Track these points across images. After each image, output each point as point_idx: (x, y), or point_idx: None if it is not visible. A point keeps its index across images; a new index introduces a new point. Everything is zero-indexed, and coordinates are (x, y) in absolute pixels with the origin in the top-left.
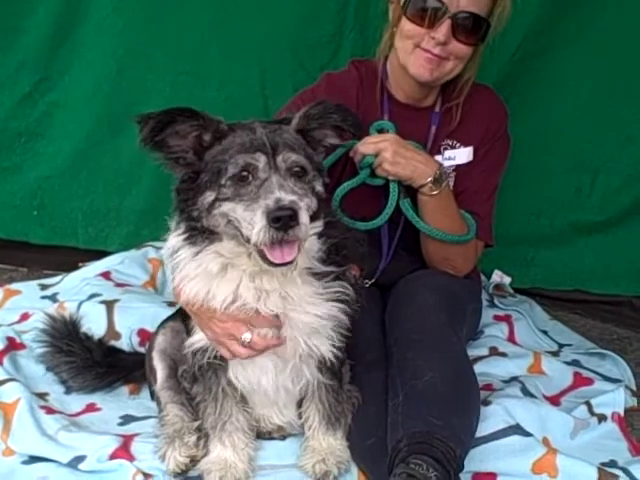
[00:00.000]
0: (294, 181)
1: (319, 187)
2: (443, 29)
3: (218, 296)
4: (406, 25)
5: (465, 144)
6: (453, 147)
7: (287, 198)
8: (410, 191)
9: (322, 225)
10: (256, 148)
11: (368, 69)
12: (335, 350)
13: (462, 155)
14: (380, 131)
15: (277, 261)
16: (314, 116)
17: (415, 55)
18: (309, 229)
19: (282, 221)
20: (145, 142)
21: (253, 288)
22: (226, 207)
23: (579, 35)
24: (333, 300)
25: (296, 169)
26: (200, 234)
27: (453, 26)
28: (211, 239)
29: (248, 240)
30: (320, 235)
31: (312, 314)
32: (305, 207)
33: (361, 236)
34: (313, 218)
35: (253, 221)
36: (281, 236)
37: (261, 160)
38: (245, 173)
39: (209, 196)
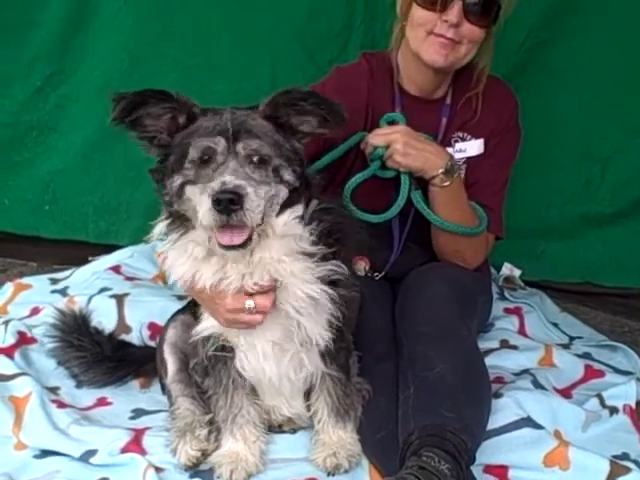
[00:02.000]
0: (253, 168)
1: (288, 176)
2: (455, 11)
3: (204, 277)
4: (417, 12)
5: (476, 136)
6: (464, 139)
7: (232, 182)
8: (421, 183)
9: (301, 210)
10: (217, 132)
11: (379, 61)
12: (328, 333)
13: (473, 147)
14: (391, 123)
15: (224, 243)
16: (282, 103)
17: (428, 42)
18: (258, 215)
19: (223, 204)
20: (115, 121)
21: (237, 268)
22: (189, 191)
23: (587, 26)
24: (324, 278)
25: (256, 157)
26: (177, 219)
27: (464, 7)
28: (186, 226)
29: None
30: (312, 219)
31: (301, 289)
32: (257, 193)
33: (359, 223)
34: (287, 205)
35: (200, 204)
36: (225, 220)
37: (220, 144)
38: (206, 157)
39: (177, 179)
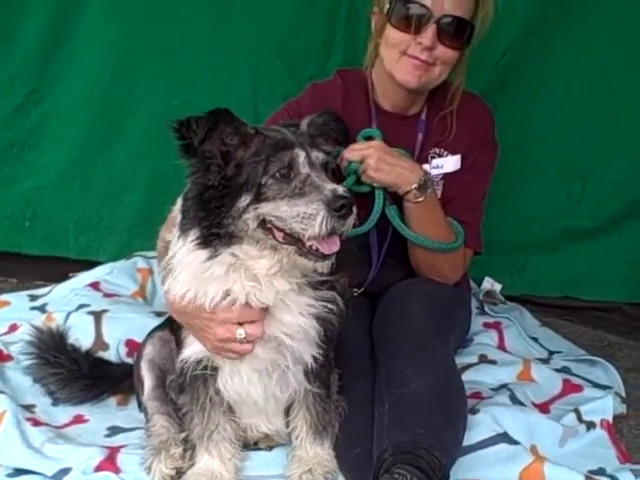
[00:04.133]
0: (324, 176)
1: None
2: (429, 34)
3: (209, 294)
4: (391, 33)
5: (453, 152)
6: (440, 155)
7: (339, 188)
8: (396, 198)
9: None
10: (293, 145)
11: (354, 78)
12: (318, 356)
13: (450, 164)
14: (367, 139)
15: (328, 252)
16: (318, 124)
17: (402, 62)
18: None
19: (345, 209)
20: (198, 146)
21: (245, 287)
22: (264, 208)
23: (566, 42)
24: (321, 302)
25: (326, 165)
26: (219, 239)
27: (438, 30)
28: (230, 242)
29: (296, 236)
30: None
31: (297, 313)
32: None
33: (352, 245)
34: None
35: (310, 214)
36: (341, 225)
37: (301, 156)
38: (285, 171)
39: (244, 200)
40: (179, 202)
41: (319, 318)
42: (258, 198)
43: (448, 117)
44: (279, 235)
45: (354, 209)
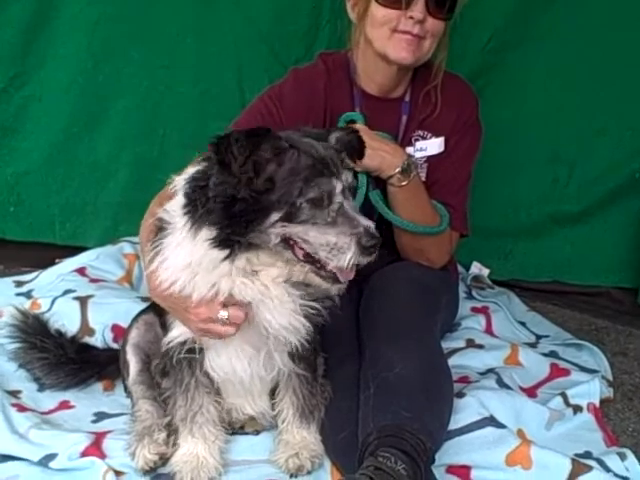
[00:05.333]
0: (353, 203)
1: None
2: (419, 7)
3: (200, 288)
4: (379, 11)
5: (436, 134)
6: (424, 138)
7: (372, 226)
8: (380, 183)
9: None
10: (331, 172)
11: (336, 62)
12: (304, 342)
13: (433, 146)
14: (349, 123)
15: (345, 279)
16: (345, 141)
17: (394, 40)
18: None
19: (374, 249)
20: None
21: (234, 282)
22: (294, 229)
23: (552, 27)
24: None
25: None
26: (239, 244)
27: (427, 2)
28: (248, 248)
29: (316, 258)
30: None
31: (281, 313)
32: None
33: None
34: None
35: (340, 247)
36: (364, 260)
37: (338, 187)
38: (322, 198)
39: (274, 216)
40: (181, 182)
41: (308, 312)
42: (289, 218)
43: (432, 94)
44: (300, 253)
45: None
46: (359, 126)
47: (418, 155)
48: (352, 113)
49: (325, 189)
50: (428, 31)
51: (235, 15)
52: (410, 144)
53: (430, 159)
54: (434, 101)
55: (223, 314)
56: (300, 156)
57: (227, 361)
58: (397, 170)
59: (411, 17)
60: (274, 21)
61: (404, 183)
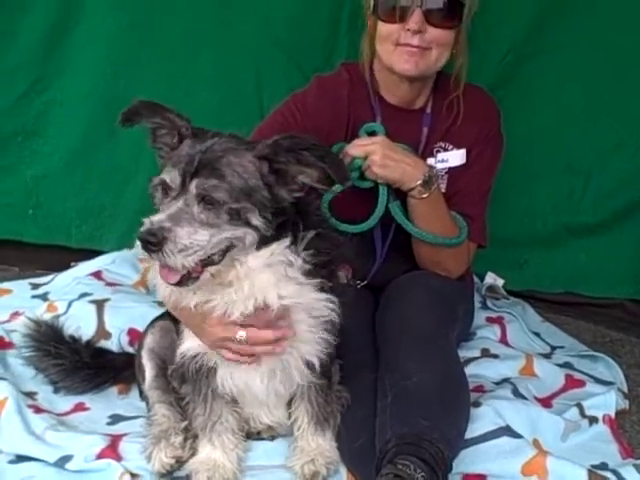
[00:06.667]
0: (202, 208)
1: (256, 221)
2: (415, 18)
3: (190, 296)
4: (381, 27)
5: (458, 146)
6: (446, 149)
7: (159, 223)
8: (400, 194)
9: (288, 242)
10: (180, 166)
11: (358, 72)
12: (323, 355)
13: (455, 157)
14: (370, 134)
15: (162, 280)
16: (284, 147)
17: (397, 53)
18: (190, 257)
19: (143, 244)
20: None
21: (222, 293)
22: None
23: (570, 38)
24: (324, 303)
25: (207, 198)
26: None
27: (425, 13)
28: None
29: None
30: (309, 247)
31: (300, 318)
32: (192, 236)
33: (355, 238)
34: (272, 240)
35: None
36: (150, 258)
37: (176, 180)
38: (165, 188)
39: None
40: None
41: (322, 320)
42: None
43: (455, 104)
44: None
45: (169, 247)
46: (381, 138)
47: (439, 166)
48: (373, 124)
49: (160, 180)
50: (432, 41)
51: (253, 23)
52: (432, 155)
53: (451, 170)
54: (456, 112)
55: (241, 334)
56: (183, 146)
57: (240, 379)
58: (418, 183)
59: (408, 29)
60: (292, 29)
61: (425, 195)
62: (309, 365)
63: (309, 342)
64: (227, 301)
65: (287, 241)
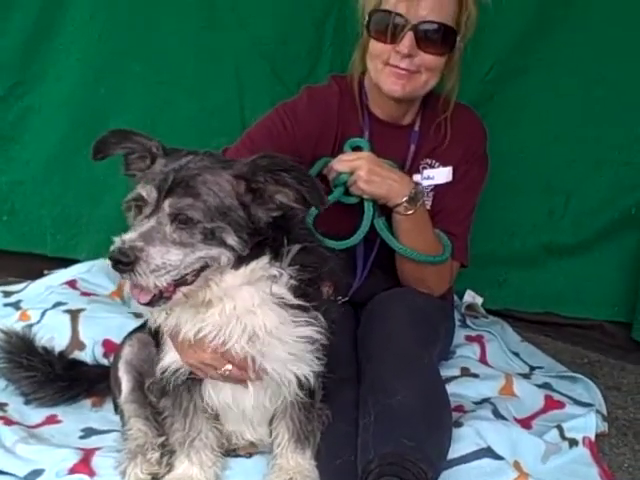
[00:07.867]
0: (175, 227)
1: (231, 241)
2: (406, 42)
3: (187, 326)
4: (372, 45)
5: (444, 164)
6: (432, 166)
7: (130, 243)
8: (385, 210)
9: (267, 259)
10: (155, 183)
11: (347, 85)
12: (310, 375)
13: (441, 175)
14: (355, 149)
15: (135, 300)
16: (262, 167)
17: (385, 73)
18: (162, 277)
19: (112, 264)
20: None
21: (213, 318)
22: None
23: (552, 57)
24: (305, 326)
25: (181, 217)
26: None
27: (416, 37)
28: None
29: None
30: (294, 263)
31: (282, 348)
32: (165, 256)
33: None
34: (251, 257)
35: None
36: (126, 277)
37: (151, 197)
38: (139, 205)
39: None
40: None
41: (309, 342)
42: None
43: (442, 125)
44: None
45: (140, 267)
46: (367, 154)
47: (425, 183)
48: (358, 139)
49: (135, 195)
50: (421, 65)
51: (237, 32)
52: (418, 172)
53: (437, 188)
54: (444, 132)
55: (228, 367)
56: (156, 165)
57: (227, 394)
58: (404, 199)
59: (398, 52)
60: (276, 40)
61: (410, 212)
62: (300, 382)
63: (300, 360)
64: (214, 324)
65: (266, 258)
